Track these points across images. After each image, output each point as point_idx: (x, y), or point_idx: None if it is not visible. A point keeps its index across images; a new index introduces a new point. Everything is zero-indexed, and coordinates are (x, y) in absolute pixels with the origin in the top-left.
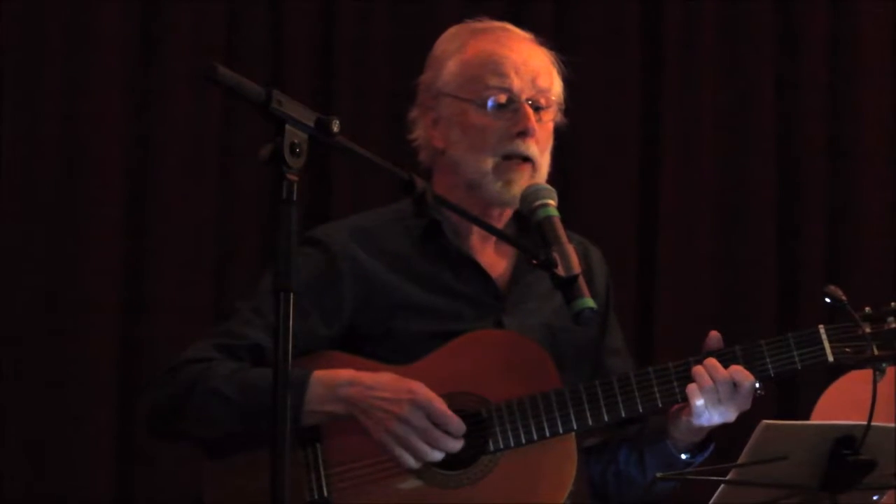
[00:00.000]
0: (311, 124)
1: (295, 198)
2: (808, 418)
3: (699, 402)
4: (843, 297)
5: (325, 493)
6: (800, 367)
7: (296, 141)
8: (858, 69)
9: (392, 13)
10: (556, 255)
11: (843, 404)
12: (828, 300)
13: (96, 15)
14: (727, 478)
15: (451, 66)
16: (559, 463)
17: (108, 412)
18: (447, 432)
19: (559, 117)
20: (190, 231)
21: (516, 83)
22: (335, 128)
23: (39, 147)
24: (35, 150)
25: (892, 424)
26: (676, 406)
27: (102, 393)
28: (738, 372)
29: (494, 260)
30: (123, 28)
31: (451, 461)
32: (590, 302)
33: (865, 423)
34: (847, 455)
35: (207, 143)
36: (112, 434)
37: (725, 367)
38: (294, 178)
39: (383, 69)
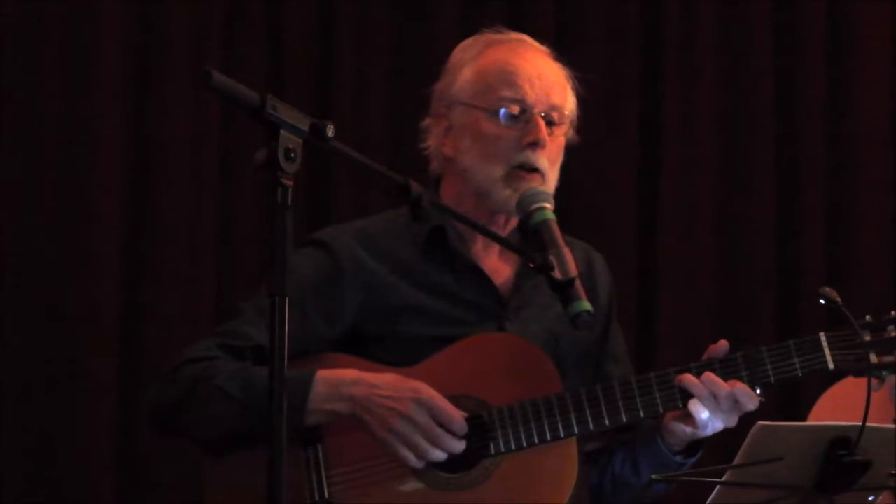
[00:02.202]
0: (306, 129)
1: (290, 202)
2: (806, 420)
3: (704, 415)
4: (838, 299)
5: (326, 494)
6: (800, 374)
7: (290, 146)
8: (858, 68)
9: (391, 16)
10: (553, 259)
11: (839, 408)
12: (822, 301)
13: (95, 19)
14: (723, 479)
15: (465, 74)
16: (560, 466)
17: (109, 415)
18: (450, 432)
19: (571, 133)
20: (191, 234)
21: (530, 95)
22: (330, 132)
23: (40, 151)
24: (36, 155)
25: (888, 425)
26: (672, 413)
27: (103, 396)
28: (744, 392)
29: (498, 266)
30: (122, 33)
31: (452, 464)
32: (586, 305)
33: (860, 423)
34: (842, 456)
35: (208, 145)
36: (113, 437)
37: (727, 377)
38: (289, 182)
39: (383, 73)
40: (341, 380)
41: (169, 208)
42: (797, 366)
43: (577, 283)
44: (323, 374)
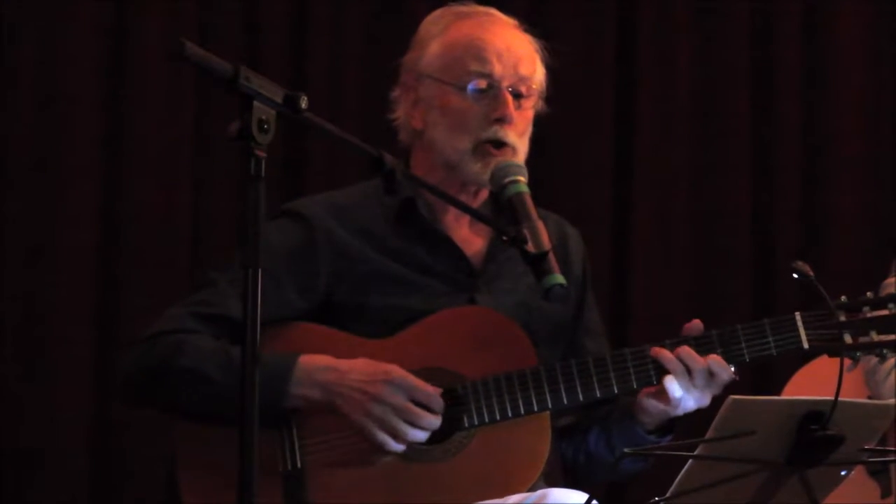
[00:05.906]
0: (279, 100)
1: (263, 174)
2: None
3: (678, 392)
4: (811, 273)
5: (299, 465)
6: (775, 353)
7: (264, 117)
8: (834, 56)
9: None
10: (526, 232)
11: (813, 385)
12: (795, 275)
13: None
14: (694, 453)
15: (433, 48)
16: (534, 440)
17: (85, 396)
18: (429, 409)
19: (540, 105)
20: (165, 216)
21: (498, 69)
22: (303, 104)
23: (14, 134)
24: (9, 137)
25: (861, 400)
26: (647, 389)
27: (78, 381)
28: (717, 363)
29: (469, 238)
30: (97, 11)
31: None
32: (559, 278)
33: (832, 398)
34: (815, 430)
35: (182, 123)
36: (88, 427)
37: (703, 353)
38: (262, 154)
39: (357, 49)
40: (315, 366)
41: (143, 180)
42: (772, 344)
43: (551, 256)
44: (302, 360)
